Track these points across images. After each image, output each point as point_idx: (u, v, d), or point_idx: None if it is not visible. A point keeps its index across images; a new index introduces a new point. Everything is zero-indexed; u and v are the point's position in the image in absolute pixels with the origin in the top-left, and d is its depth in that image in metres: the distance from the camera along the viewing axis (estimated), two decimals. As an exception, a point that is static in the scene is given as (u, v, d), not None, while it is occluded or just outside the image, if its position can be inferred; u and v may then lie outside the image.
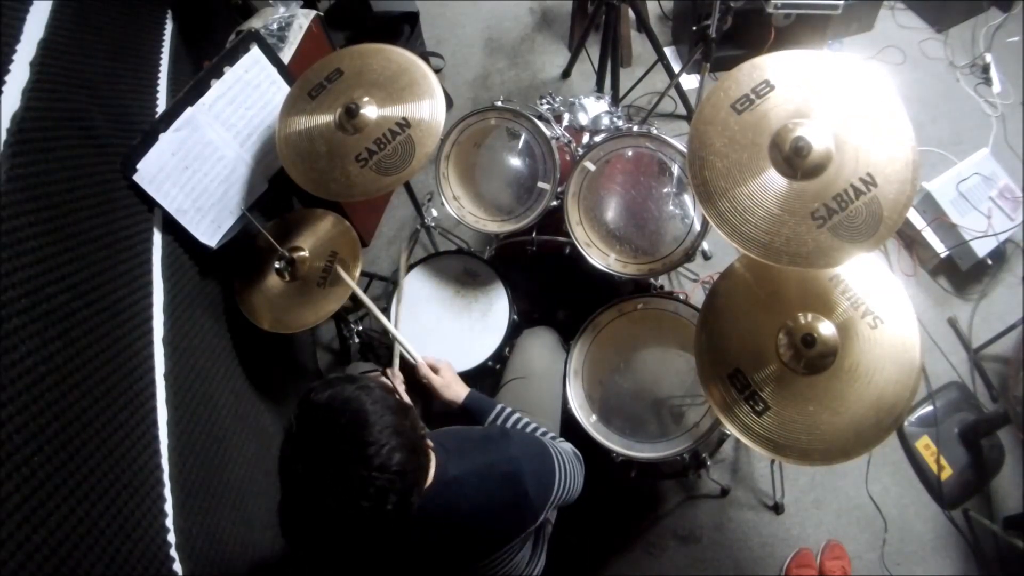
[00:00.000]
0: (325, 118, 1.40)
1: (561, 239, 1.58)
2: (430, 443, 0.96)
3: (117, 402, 1.01)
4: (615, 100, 2.29)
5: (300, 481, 0.81)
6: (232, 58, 1.43)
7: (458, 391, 1.30)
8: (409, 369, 1.38)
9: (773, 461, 1.77)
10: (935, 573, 1.71)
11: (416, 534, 0.95)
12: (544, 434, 1.22)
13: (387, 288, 2.04)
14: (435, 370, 1.33)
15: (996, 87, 2.46)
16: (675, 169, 1.50)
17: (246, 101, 1.47)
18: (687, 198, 1.50)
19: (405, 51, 1.44)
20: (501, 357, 1.55)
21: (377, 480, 0.79)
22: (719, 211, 1.07)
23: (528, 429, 1.21)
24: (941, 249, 2.04)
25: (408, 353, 1.38)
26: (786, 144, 1.05)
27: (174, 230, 1.35)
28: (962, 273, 2.06)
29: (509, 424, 1.22)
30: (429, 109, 1.37)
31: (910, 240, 2.13)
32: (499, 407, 1.25)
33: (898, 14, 2.70)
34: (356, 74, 1.43)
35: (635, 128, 1.51)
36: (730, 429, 1.10)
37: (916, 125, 1.02)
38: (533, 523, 1.01)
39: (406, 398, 0.96)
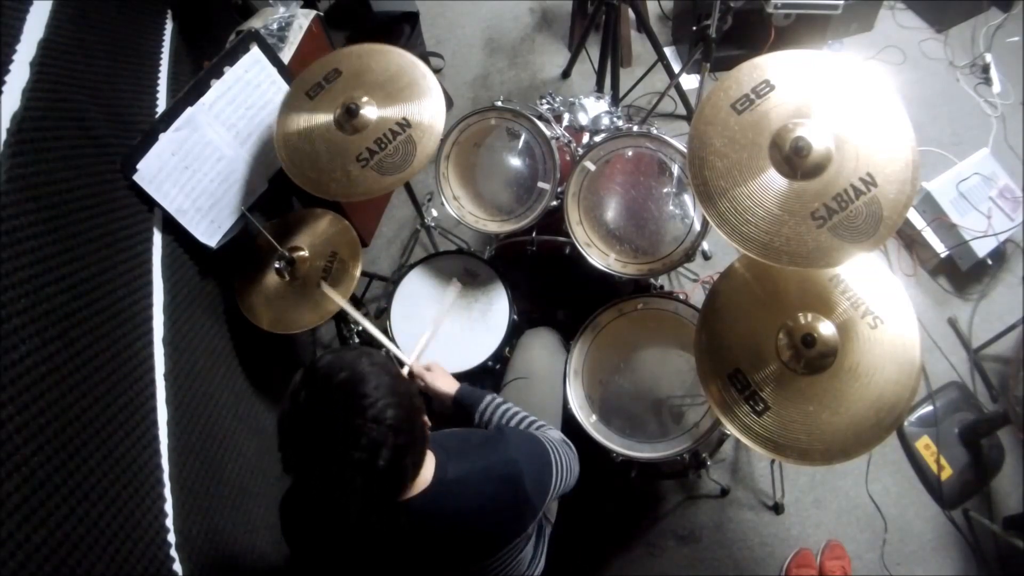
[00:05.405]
0: (324, 118, 1.40)
1: (561, 239, 1.58)
2: (429, 439, 0.96)
3: (117, 402, 1.01)
4: (615, 100, 2.29)
5: (296, 434, 0.83)
6: (232, 58, 1.43)
7: (449, 387, 1.31)
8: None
9: (773, 461, 1.77)
10: (935, 573, 1.71)
11: (417, 535, 0.95)
12: (532, 423, 1.23)
13: (387, 288, 2.03)
14: (427, 369, 1.34)
15: (996, 87, 2.46)
16: (675, 169, 1.50)
17: (246, 101, 1.47)
18: (687, 198, 1.50)
19: (405, 51, 1.44)
20: (501, 357, 1.55)
21: (371, 431, 0.80)
22: (719, 211, 1.07)
23: (516, 419, 1.22)
24: (941, 249, 2.04)
25: (399, 357, 1.39)
26: (786, 144, 1.05)
27: (174, 230, 1.35)
28: (962, 273, 2.06)
29: (499, 414, 1.23)
30: (429, 109, 1.37)
31: (910, 240, 2.13)
32: (488, 397, 1.26)
33: (898, 14, 2.71)
34: (355, 74, 1.43)
35: (635, 128, 1.51)
36: (730, 429, 1.10)
37: (916, 125, 1.02)
38: (533, 520, 1.02)
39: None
